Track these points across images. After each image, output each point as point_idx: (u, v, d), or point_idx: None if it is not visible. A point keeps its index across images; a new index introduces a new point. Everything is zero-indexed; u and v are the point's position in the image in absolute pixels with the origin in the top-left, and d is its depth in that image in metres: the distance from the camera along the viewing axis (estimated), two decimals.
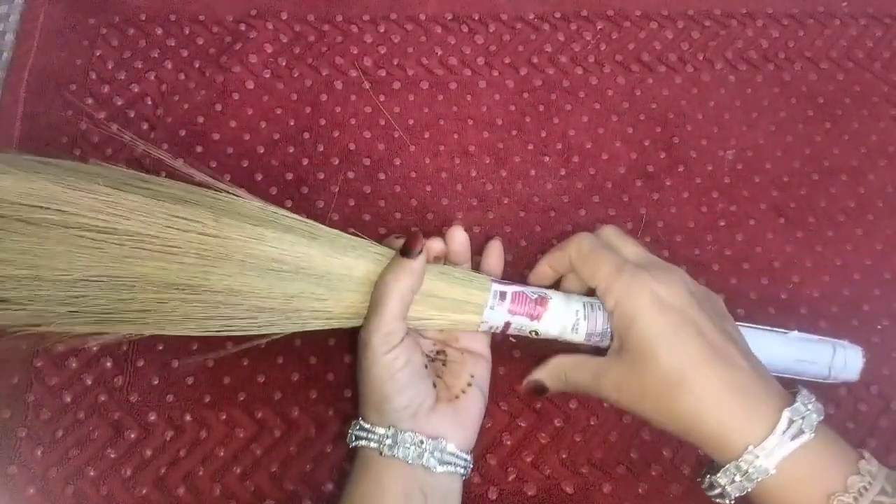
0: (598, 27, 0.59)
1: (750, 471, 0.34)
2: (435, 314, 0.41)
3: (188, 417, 0.46)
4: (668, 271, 0.38)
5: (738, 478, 0.34)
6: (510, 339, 0.48)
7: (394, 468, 0.37)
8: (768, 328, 0.44)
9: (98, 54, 0.55)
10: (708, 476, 0.36)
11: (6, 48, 0.55)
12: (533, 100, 0.56)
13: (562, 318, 0.41)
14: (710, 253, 0.52)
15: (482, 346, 0.44)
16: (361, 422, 0.39)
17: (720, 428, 0.34)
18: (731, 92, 0.57)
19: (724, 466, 0.35)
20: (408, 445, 0.37)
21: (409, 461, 0.37)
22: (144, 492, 0.44)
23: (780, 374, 0.41)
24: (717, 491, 0.36)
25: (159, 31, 0.56)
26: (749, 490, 0.35)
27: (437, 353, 0.43)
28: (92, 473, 0.44)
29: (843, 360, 0.43)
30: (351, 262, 0.40)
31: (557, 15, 0.59)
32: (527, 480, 0.46)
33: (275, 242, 0.39)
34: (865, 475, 0.33)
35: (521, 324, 0.42)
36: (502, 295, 0.42)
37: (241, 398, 0.46)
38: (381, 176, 0.52)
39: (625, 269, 0.38)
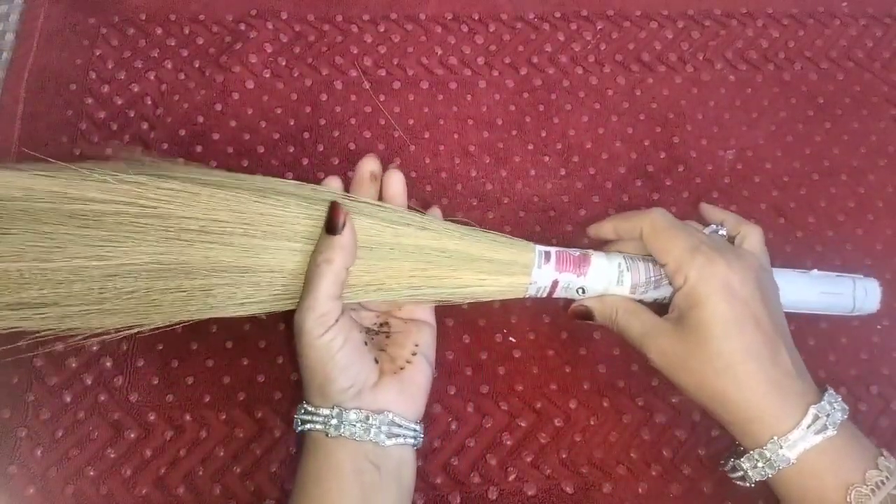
0: (598, 27, 0.59)
1: (772, 458, 0.35)
2: (485, 278, 0.41)
3: (188, 417, 0.46)
4: (741, 259, 0.38)
5: (760, 464, 0.36)
6: (509, 339, 0.48)
7: (343, 447, 0.37)
8: (791, 270, 0.45)
9: (98, 54, 0.55)
10: (732, 459, 0.38)
11: (6, 48, 0.55)
12: (533, 100, 0.56)
13: (606, 271, 0.41)
14: None
15: (426, 314, 0.44)
16: (306, 405, 0.38)
17: (751, 416, 0.36)
18: (731, 92, 0.57)
19: (748, 452, 0.37)
20: (353, 423, 0.37)
21: (357, 438, 0.37)
22: (144, 492, 0.44)
23: (809, 311, 0.44)
24: (739, 474, 0.38)
25: (159, 31, 0.56)
26: (770, 476, 0.36)
27: (381, 325, 0.43)
28: (92, 473, 0.44)
29: (863, 290, 0.45)
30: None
31: (557, 15, 0.59)
32: (527, 480, 0.46)
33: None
34: (883, 470, 0.34)
35: (569, 281, 0.42)
36: (546, 255, 0.42)
37: (241, 398, 0.46)
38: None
39: (699, 251, 0.38)
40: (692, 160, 0.55)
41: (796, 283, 0.44)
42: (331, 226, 0.38)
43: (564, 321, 0.49)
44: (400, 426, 0.38)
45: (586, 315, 0.42)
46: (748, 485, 0.38)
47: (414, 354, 0.41)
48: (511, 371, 0.48)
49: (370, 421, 0.37)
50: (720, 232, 0.43)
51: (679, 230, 0.39)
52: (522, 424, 0.47)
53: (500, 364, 0.48)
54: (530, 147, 0.54)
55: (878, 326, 0.51)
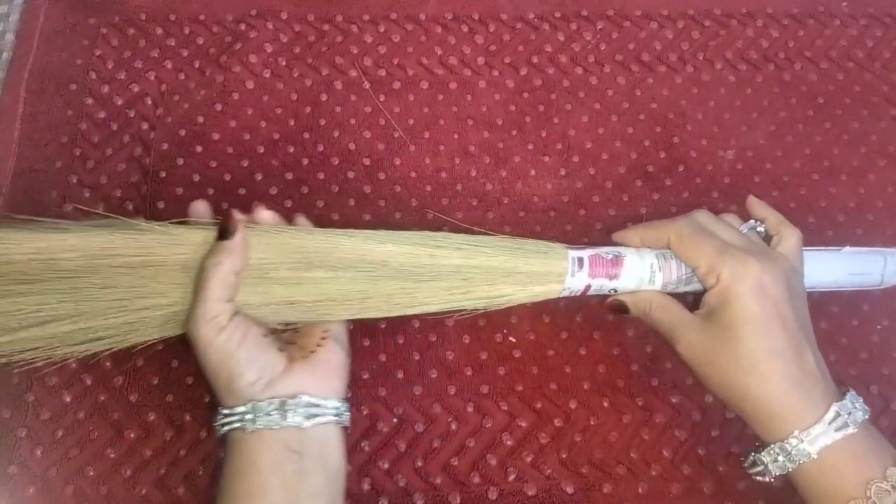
0: (598, 27, 0.59)
1: (793, 453, 0.36)
2: (517, 290, 0.42)
3: (188, 417, 0.46)
4: (773, 259, 0.39)
5: (780, 458, 0.37)
6: (509, 339, 0.49)
7: (261, 440, 0.37)
8: (822, 248, 0.46)
9: (98, 54, 0.55)
10: (752, 454, 0.39)
11: (6, 48, 0.55)
12: (533, 100, 0.56)
13: (638, 272, 0.42)
14: None
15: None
16: (221, 409, 0.38)
17: (773, 412, 0.37)
18: (731, 92, 0.57)
19: (768, 446, 0.38)
20: (269, 413, 0.37)
21: (274, 427, 0.37)
22: (144, 492, 0.44)
23: (837, 289, 0.46)
24: (759, 468, 0.38)
25: (159, 31, 0.56)
26: (790, 470, 0.37)
27: (288, 323, 0.42)
28: (92, 473, 0.44)
29: (893, 266, 0.46)
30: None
31: (557, 15, 0.59)
32: (527, 480, 0.46)
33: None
34: None
35: (601, 285, 0.42)
36: (580, 261, 0.42)
37: None
38: (381, 176, 0.52)
39: (729, 252, 0.39)
40: (692, 160, 0.55)
41: (826, 264, 0.45)
42: (223, 232, 0.39)
43: (564, 321, 0.49)
44: (318, 406, 0.38)
45: (622, 309, 0.43)
46: (768, 479, 0.39)
47: (323, 339, 0.41)
48: (511, 371, 0.48)
49: (286, 406, 0.37)
50: (758, 229, 0.43)
51: (705, 235, 0.40)
52: (522, 424, 0.47)
53: (501, 364, 0.48)
54: (530, 147, 0.54)
55: (878, 326, 0.51)
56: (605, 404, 0.47)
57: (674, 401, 0.48)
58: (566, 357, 0.49)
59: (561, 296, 0.43)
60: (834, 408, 0.36)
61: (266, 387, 0.38)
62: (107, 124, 0.53)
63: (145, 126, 0.53)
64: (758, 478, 0.39)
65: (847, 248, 0.47)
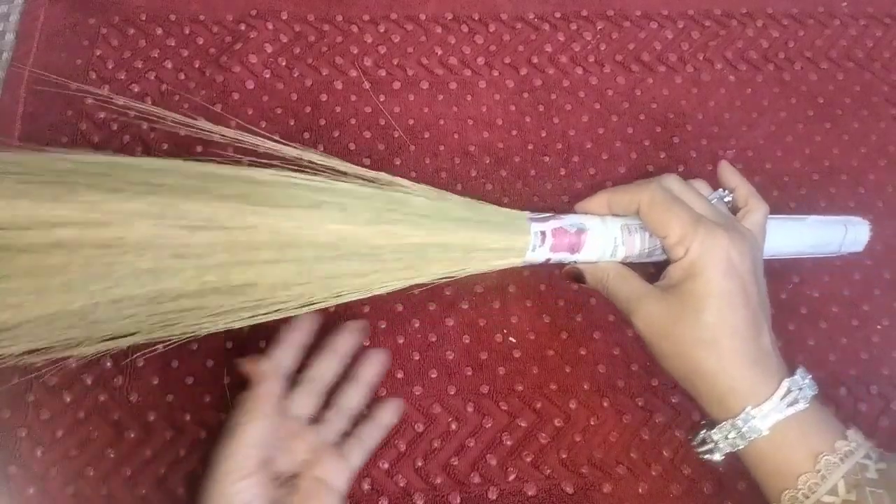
0: (598, 27, 0.59)
1: (745, 429, 0.36)
2: (477, 263, 0.41)
3: (188, 418, 0.46)
4: (741, 234, 0.38)
5: (732, 434, 0.37)
6: (509, 339, 0.49)
7: None
8: (787, 217, 0.47)
9: (98, 54, 0.55)
10: (703, 431, 0.39)
11: (6, 48, 0.55)
12: (533, 100, 0.56)
13: (600, 246, 0.42)
14: None
15: (342, 481, 0.41)
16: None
17: (727, 388, 0.37)
18: (731, 92, 0.57)
19: (719, 423, 0.37)
20: None
21: None
22: (144, 492, 0.44)
23: (797, 256, 0.47)
24: (709, 447, 0.38)
25: (159, 31, 0.56)
26: (741, 448, 0.37)
27: (292, 476, 0.40)
28: (92, 473, 0.44)
29: (853, 236, 0.47)
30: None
31: (557, 15, 0.59)
32: (527, 480, 0.46)
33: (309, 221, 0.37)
34: (852, 441, 0.36)
35: (561, 258, 0.42)
36: (542, 235, 0.42)
37: None
38: None
39: (701, 223, 0.37)
40: (692, 160, 0.55)
41: (791, 234, 0.45)
42: (247, 383, 0.39)
43: (564, 321, 0.49)
44: None
45: (579, 278, 0.43)
46: (716, 458, 0.38)
47: None
48: (511, 371, 0.48)
49: None
50: (726, 199, 0.42)
51: (679, 204, 0.39)
52: (522, 424, 0.47)
53: (500, 364, 0.48)
54: (530, 147, 0.54)
55: (878, 326, 0.51)
56: (605, 404, 0.47)
57: (674, 401, 0.48)
58: (566, 357, 0.49)
59: (518, 266, 0.43)
60: (785, 383, 0.36)
61: None
62: (107, 124, 0.53)
63: (145, 126, 0.53)
64: (705, 456, 0.39)
65: (812, 218, 0.47)
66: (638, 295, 0.40)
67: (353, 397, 0.44)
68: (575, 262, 0.43)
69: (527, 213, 0.43)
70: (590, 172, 0.54)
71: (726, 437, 0.37)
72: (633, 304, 0.40)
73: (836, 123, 0.57)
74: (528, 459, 0.46)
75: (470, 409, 0.47)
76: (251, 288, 0.38)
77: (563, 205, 0.53)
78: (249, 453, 0.37)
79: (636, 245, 0.42)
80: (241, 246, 0.37)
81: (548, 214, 0.43)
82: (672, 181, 0.41)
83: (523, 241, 0.41)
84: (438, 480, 0.45)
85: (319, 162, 0.40)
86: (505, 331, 0.49)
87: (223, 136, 0.39)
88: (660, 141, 0.55)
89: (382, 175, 0.41)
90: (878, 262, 0.53)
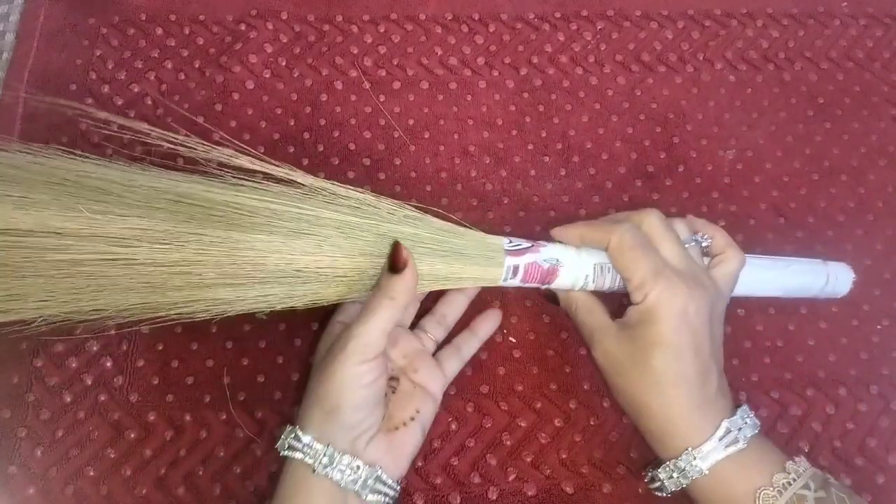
0: (598, 27, 0.59)
1: (686, 469, 0.38)
2: (448, 287, 0.43)
3: (188, 417, 0.46)
4: (702, 288, 0.39)
5: (675, 475, 0.38)
6: (509, 339, 0.49)
7: (325, 488, 0.36)
8: (771, 258, 0.47)
9: (98, 54, 0.55)
10: (651, 471, 0.41)
11: (6, 48, 0.55)
12: (533, 100, 0.56)
13: (571, 280, 0.43)
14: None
15: (437, 388, 0.43)
16: (299, 432, 0.38)
17: (670, 431, 0.39)
18: (731, 92, 0.57)
19: (664, 463, 0.39)
20: (343, 469, 0.36)
21: (342, 485, 0.36)
22: (144, 492, 0.44)
23: (776, 297, 0.47)
24: (657, 484, 0.40)
25: (159, 31, 0.56)
26: (684, 486, 0.39)
27: (391, 378, 0.42)
28: (92, 473, 0.44)
29: (833, 288, 0.47)
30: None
31: (557, 15, 0.59)
32: (527, 480, 0.46)
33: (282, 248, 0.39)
34: (790, 473, 0.37)
35: (534, 286, 0.44)
36: (515, 269, 0.42)
37: (241, 398, 0.46)
38: (381, 176, 0.52)
39: (663, 274, 0.38)
40: (692, 160, 0.55)
41: (769, 279, 0.46)
42: (394, 266, 0.39)
43: (565, 321, 0.49)
44: (385, 483, 0.38)
45: (552, 298, 0.45)
46: (664, 495, 0.40)
47: (412, 419, 0.41)
48: (511, 371, 0.48)
49: (360, 472, 0.37)
50: (704, 243, 0.43)
51: (645, 250, 0.39)
52: (522, 424, 0.47)
53: (501, 364, 0.48)
54: (530, 147, 0.54)
55: (878, 326, 0.51)
56: (605, 404, 0.47)
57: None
58: (566, 357, 0.49)
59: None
60: (725, 424, 0.38)
61: (352, 440, 0.37)
62: (107, 124, 0.52)
63: (145, 126, 0.53)
64: (657, 493, 0.41)
65: (795, 265, 0.47)
66: (600, 329, 0.41)
67: (454, 310, 0.46)
68: (548, 287, 0.44)
69: (504, 241, 0.43)
70: (590, 172, 0.54)
71: (670, 477, 0.39)
72: (594, 337, 0.41)
73: (836, 123, 0.57)
74: (528, 459, 0.46)
75: (470, 409, 0.47)
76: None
77: (563, 205, 0.53)
78: (379, 338, 0.38)
79: (606, 282, 0.43)
80: (223, 265, 0.38)
81: (525, 245, 0.43)
82: (651, 220, 0.41)
83: (496, 273, 0.42)
84: (438, 480, 0.45)
85: (308, 184, 0.41)
86: (505, 331, 0.49)
87: (206, 159, 0.41)
88: (660, 141, 0.55)
89: (368, 196, 0.42)
90: (878, 262, 0.53)
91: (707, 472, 0.37)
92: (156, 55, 0.55)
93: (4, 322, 0.38)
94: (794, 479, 0.36)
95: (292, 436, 0.38)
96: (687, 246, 0.41)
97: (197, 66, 0.55)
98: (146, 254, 0.37)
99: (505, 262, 0.42)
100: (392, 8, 0.58)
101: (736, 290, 0.44)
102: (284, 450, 0.38)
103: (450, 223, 0.43)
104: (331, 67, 0.56)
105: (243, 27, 0.56)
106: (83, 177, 0.38)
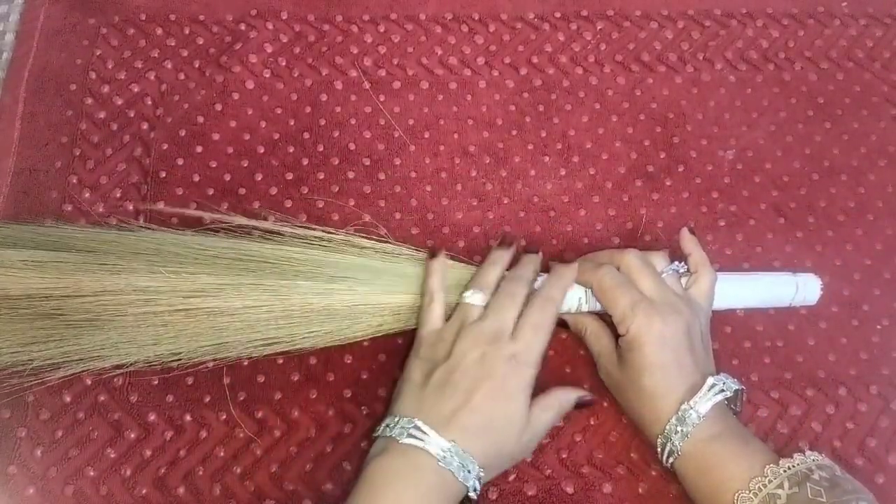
0: (598, 27, 0.59)
1: (686, 418, 0.41)
2: None
3: (188, 417, 0.46)
4: (677, 313, 0.43)
5: (678, 427, 0.42)
6: None
7: (445, 479, 0.38)
8: (742, 275, 0.50)
9: (98, 54, 0.55)
10: (659, 438, 0.43)
11: (6, 48, 0.55)
12: (533, 100, 0.56)
13: (567, 304, 0.47)
14: (710, 253, 0.52)
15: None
16: (419, 423, 0.39)
17: (663, 417, 0.43)
18: (731, 92, 0.57)
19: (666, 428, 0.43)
20: (466, 467, 0.38)
21: (460, 478, 0.38)
22: (144, 492, 0.44)
23: (753, 307, 0.50)
24: (669, 448, 0.42)
25: (159, 31, 0.56)
26: (688, 435, 0.41)
27: None
28: (92, 473, 0.44)
29: (803, 296, 0.49)
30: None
31: (557, 15, 0.59)
32: (527, 480, 0.45)
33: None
34: (767, 475, 0.39)
35: None
36: None
37: (242, 398, 0.46)
38: (381, 176, 0.52)
39: (639, 308, 0.43)
40: (692, 160, 0.55)
41: (742, 291, 0.49)
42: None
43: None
44: (479, 481, 0.40)
45: (564, 325, 0.48)
46: (675, 456, 0.42)
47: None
48: None
49: (476, 471, 0.39)
50: (680, 271, 0.47)
51: (622, 289, 0.44)
52: None
53: None
54: (530, 147, 0.54)
55: (878, 326, 0.51)
56: (605, 404, 0.47)
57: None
58: (566, 357, 0.49)
59: None
60: (710, 380, 0.42)
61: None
62: (107, 124, 0.53)
63: (145, 126, 0.53)
64: (670, 460, 0.42)
65: (765, 278, 0.50)
66: (603, 354, 0.46)
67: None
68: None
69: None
70: (590, 172, 0.54)
71: (676, 431, 0.42)
72: (600, 360, 0.47)
73: (836, 123, 0.57)
74: (528, 459, 0.46)
75: None
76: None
77: (563, 205, 0.53)
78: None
79: (598, 305, 0.46)
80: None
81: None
82: (627, 260, 0.46)
83: None
84: None
85: (340, 238, 0.47)
86: None
87: (256, 227, 0.47)
88: (660, 141, 0.55)
89: (388, 245, 0.48)
90: (878, 262, 0.53)
91: (703, 416, 0.41)
92: (156, 55, 0.55)
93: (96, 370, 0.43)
94: (770, 482, 0.39)
95: (412, 426, 0.39)
96: (664, 275, 0.46)
97: (197, 65, 0.55)
98: (213, 303, 0.43)
99: None
100: (392, 8, 0.58)
101: (716, 305, 0.47)
102: (403, 437, 0.39)
103: (462, 262, 0.48)
104: (331, 67, 0.56)
105: (243, 27, 0.56)
106: (162, 244, 0.45)
